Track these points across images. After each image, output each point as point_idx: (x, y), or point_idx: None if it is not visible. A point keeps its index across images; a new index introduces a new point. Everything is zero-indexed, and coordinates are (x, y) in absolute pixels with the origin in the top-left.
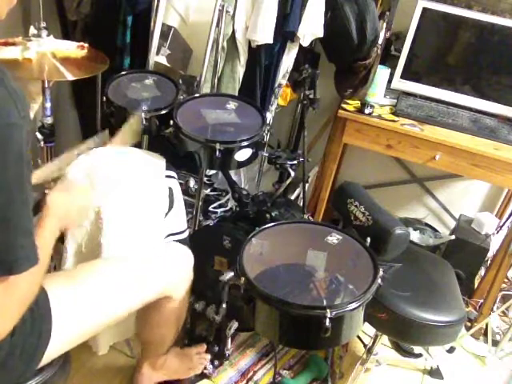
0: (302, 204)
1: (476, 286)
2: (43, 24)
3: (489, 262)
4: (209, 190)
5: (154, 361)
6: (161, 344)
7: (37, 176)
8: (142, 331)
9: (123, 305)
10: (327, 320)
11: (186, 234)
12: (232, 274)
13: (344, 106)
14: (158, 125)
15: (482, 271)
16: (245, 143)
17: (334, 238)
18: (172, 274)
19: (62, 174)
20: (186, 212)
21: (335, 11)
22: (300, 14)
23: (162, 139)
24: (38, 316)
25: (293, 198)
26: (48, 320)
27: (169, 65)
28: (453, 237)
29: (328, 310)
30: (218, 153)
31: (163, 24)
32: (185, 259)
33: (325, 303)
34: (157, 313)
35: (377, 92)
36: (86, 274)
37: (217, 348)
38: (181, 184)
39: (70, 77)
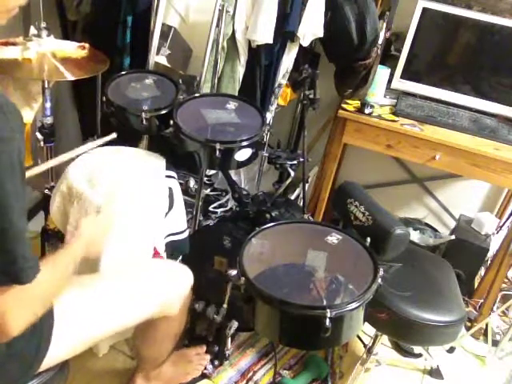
0: (302, 204)
1: (476, 286)
2: (43, 24)
3: (489, 262)
4: (209, 190)
5: (148, 373)
6: (157, 358)
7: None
8: (140, 348)
9: (121, 319)
10: (327, 320)
11: (185, 234)
12: (236, 271)
13: (344, 106)
14: (157, 125)
15: (482, 271)
16: (245, 143)
17: (334, 237)
18: (171, 292)
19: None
20: (186, 212)
21: (335, 11)
22: (300, 14)
23: (162, 139)
24: (39, 324)
25: (293, 198)
26: (49, 328)
27: (169, 65)
28: (453, 237)
29: (328, 310)
30: (218, 153)
31: (163, 24)
32: (184, 278)
33: (325, 303)
34: (155, 330)
35: (377, 92)
36: (88, 288)
37: (217, 348)
38: (181, 184)
39: (70, 77)
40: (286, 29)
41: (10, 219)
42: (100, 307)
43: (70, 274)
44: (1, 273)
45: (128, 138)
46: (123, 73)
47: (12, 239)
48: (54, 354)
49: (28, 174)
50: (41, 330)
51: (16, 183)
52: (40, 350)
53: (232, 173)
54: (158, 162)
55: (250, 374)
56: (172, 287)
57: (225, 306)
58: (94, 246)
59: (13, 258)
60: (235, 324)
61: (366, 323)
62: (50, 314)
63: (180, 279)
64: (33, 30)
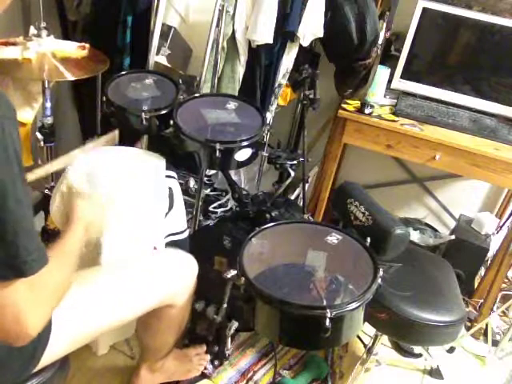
0: (302, 204)
1: (476, 286)
2: (43, 24)
3: (489, 262)
4: (209, 190)
5: (152, 364)
6: (161, 349)
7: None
8: (143, 337)
9: (124, 312)
10: (327, 320)
11: (185, 234)
12: (235, 272)
13: (344, 106)
14: (157, 125)
15: (482, 271)
16: (245, 143)
17: (334, 237)
18: (175, 282)
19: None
20: (186, 212)
21: (335, 11)
22: (300, 14)
23: (162, 139)
24: None
25: (293, 198)
26: (48, 323)
27: (169, 65)
28: (453, 237)
29: (328, 310)
30: (218, 153)
31: (163, 24)
32: (188, 267)
33: (325, 303)
34: (158, 320)
35: (377, 92)
36: (87, 280)
37: (217, 348)
38: (181, 184)
39: (70, 77)
40: (286, 29)
41: (9, 208)
42: (101, 300)
43: (76, 259)
44: (4, 266)
45: (128, 138)
46: (123, 73)
47: (12, 230)
48: (54, 349)
49: (34, 176)
50: None
51: (12, 172)
52: (39, 344)
53: (232, 173)
54: (158, 162)
55: (250, 373)
56: (176, 277)
57: (224, 305)
58: (91, 228)
59: (15, 250)
60: (235, 324)
61: (366, 323)
62: None
63: (185, 268)
64: (33, 30)
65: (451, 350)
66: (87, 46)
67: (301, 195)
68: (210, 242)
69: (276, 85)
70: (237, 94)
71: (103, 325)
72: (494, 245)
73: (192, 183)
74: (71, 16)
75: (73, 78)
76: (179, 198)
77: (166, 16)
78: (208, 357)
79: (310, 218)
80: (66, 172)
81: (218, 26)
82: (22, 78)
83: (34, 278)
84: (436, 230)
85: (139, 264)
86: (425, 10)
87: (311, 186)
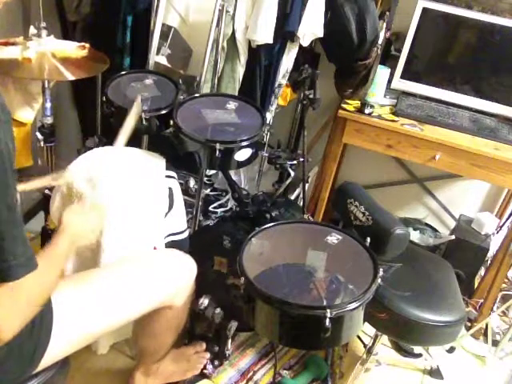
0: (302, 204)
1: (476, 286)
2: (43, 24)
3: (489, 262)
4: (209, 190)
5: (148, 367)
6: (158, 351)
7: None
8: (140, 339)
9: (123, 313)
10: (327, 320)
11: (185, 234)
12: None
13: (344, 106)
14: (157, 125)
15: (482, 271)
16: (245, 143)
17: (334, 237)
18: (174, 283)
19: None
20: (186, 212)
21: (335, 11)
22: (300, 14)
23: (162, 139)
24: (38, 321)
25: (293, 198)
26: (48, 325)
27: (169, 65)
28: (453, 237)
29: (328, 310)
30: (218, 153)
31: (163, 24)
32: (187, 268)
33: (325, 303)
34: (156, 321)
35: (377, 92)
36: (87, 283)
37: (217, 348)
38: (181, 184)
39: (70, 77)
40: (285, 29)
41: None
42: (100, 302)
43: (60, 272)
44: None
45: (128, 138)
46: (123, 73)
47: (0, 235)
48: (54, 351)
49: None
50: (40, 325)
51: (5, 179)
52: (39, 345)
53: (232, 173)
54: (158, 162)
55: (250, 373)
56: (175, 278)
57: (219, 310)
58: (81, 238)
59: (2, 257)
60: (235, 324)
61: (366, 323)
62: (49, 310)
63: (184, 269)
64: (32, 30)
65: (451, 349)
66: (87, 45)
67: (301, 195)
68: (209, 242)
69: (276, 85)
70: (237, 93)
71: (103, 327)
72: (494, 245)
73: (192, 183)
74: (71, 17)
75: (73, 78)
76: (179, 197)
77: (166, 16)
78: (207, 355)
79: (310, 217)
80: (66, 171)
81: (218, 25)
82: (22, 78)
83: (17, 284)
84: (436, 230)
85: (138, 265)
86: (425, 10)
87: (311, 186)
